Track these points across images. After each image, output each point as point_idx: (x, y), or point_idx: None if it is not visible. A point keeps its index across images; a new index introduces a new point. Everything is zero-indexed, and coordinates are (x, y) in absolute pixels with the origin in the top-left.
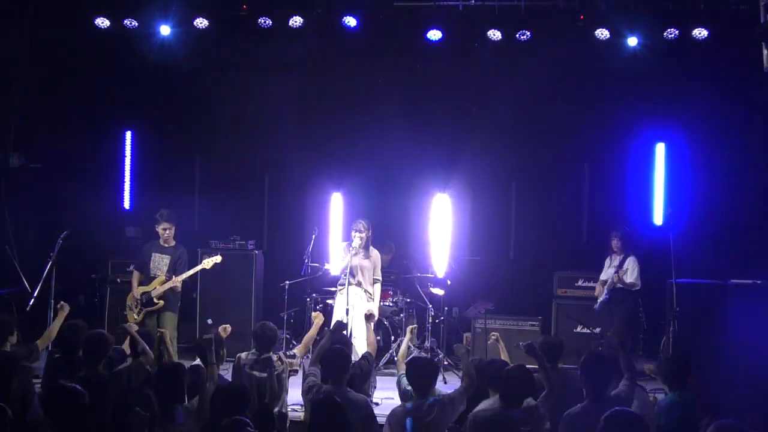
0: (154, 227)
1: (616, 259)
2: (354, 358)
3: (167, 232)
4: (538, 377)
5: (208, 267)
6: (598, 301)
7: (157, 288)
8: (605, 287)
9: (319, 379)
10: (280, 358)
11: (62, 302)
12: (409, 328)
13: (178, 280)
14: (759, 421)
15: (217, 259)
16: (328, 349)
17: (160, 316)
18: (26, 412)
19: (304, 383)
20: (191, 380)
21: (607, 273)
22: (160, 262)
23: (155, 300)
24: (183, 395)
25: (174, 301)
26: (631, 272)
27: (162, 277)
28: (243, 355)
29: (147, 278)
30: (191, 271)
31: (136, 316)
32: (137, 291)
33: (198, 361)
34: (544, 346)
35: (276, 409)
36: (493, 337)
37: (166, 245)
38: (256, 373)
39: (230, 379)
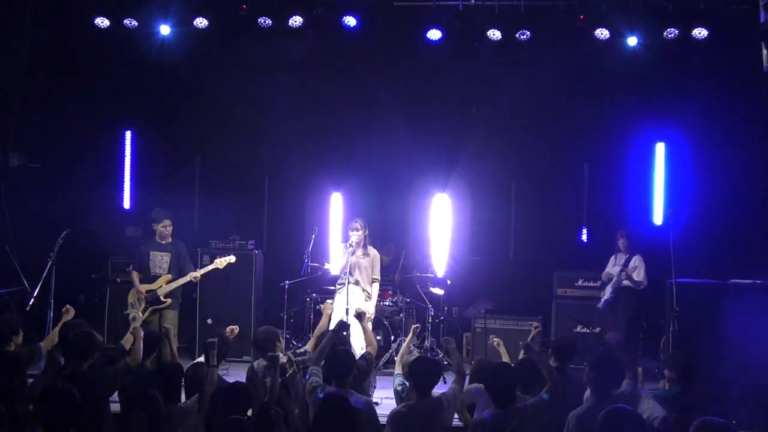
0: (151, 226)
1: (622, 258)
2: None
3: (168, 228)
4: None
5: (221, 267)
6: (602, 300)
7: (163, 286)
8: (610, 286)
9: (322, 379)
10: (289, 360)
11: (67, 306)
12: (412, 328)
13: (198, 275)
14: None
15: (231, 259)
16: (332, 350)
17: (162, 314)
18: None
19: (306, 382)
20: (192, 377)
21: (613, 271)
22: (161, 261)
23: (162, 298)
24: (179, 394)
25: (177, 300)
26: (638, 271)
27: (167, 275)
28: (255, 363)
29: (147, 277)
30: (205, 269)
31: (140, 314)
32: (141, 288)
33: (198, 360)
34: (557, 346)
35: (297, 411)
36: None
37: (163, 242)
38: (269, 380)
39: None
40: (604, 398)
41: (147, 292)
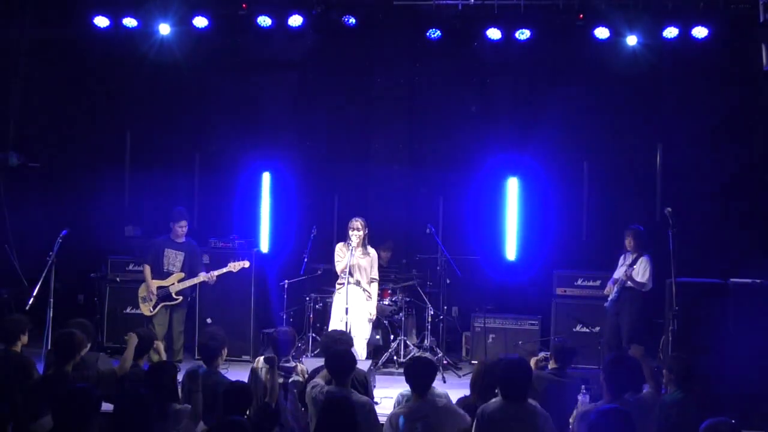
0: (162, 224)
1: (630, 258)
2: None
3: (185, 228)
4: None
5: (235, 270)
6: (609, 299)
7: (175, 284)
8: (615, 286)
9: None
10: (303, 371)
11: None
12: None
13: (214, 275)
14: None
15: (245, 264)
16: (332, 350)
17: (173, 312)
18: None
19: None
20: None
21: (620, 271)
22: (174, 258)
23: (174, 295)
24: (176, 393)
25: (186, 299)
26: (642, 272)
27: (180, 274)
28: (261, 358)
29: (159, 273)
30: (218, 272)
31: (151, 309)
32: (153, 284)
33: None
34: (557, 349)
35: (288, 409)
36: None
37: (178, 240)
38: (269, 380)
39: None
40: (615, 400)
41: (159, 288)
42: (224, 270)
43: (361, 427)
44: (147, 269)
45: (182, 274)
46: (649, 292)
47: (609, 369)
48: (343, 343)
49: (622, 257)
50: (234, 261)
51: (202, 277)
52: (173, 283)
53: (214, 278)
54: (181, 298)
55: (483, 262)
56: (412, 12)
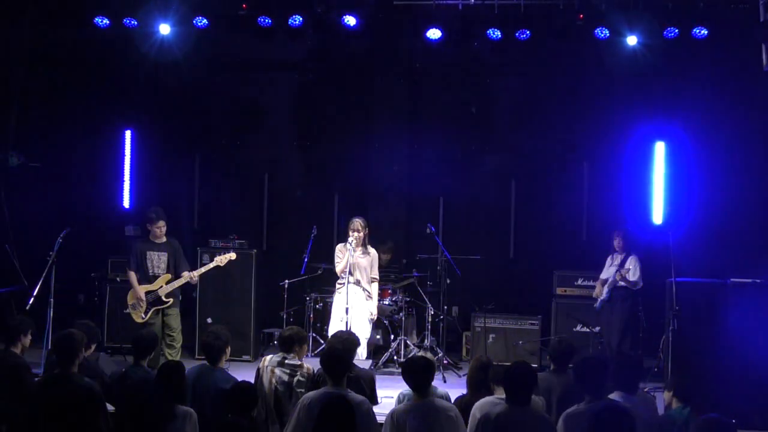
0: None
1: (618, 258)
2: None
3: (163, 229)
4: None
5: (222, 264)
6: (599, 300)
7: (164, 286)
8: (606, 286)
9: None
10: (310, 370)
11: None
12: None
13: (195, 275)
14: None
15: (232, 256)
16: (327, 350)
17: (165, 313)
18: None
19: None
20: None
21: (608, 272)
22: (158, 260)
23: (164, 298)
24: (184, 395)
25: (177, 298)
26: (633, 271)
27: (167, 275)
28: (268, 357)
29: (146, 277)
30: (205, 268)
31: (143, 316)
32: (141, 292)
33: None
34: (554, 351)
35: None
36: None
37: (158, 241)
38: (278, 371)
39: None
40: (593, 401)
41: (147, 293)
42: (211, 265)
43: (359, 426)
44: (132, 276)
45: (169, 275)
46: (647, 290)
47: (575, 373)
48: (349, 344)
49: (609, 258)
50: (219, 255)
51: (185, 277)
52: (161, 286)
53: (196, 278)
54: (171, 300)
55: (483, 262)
56: (412, 12)
